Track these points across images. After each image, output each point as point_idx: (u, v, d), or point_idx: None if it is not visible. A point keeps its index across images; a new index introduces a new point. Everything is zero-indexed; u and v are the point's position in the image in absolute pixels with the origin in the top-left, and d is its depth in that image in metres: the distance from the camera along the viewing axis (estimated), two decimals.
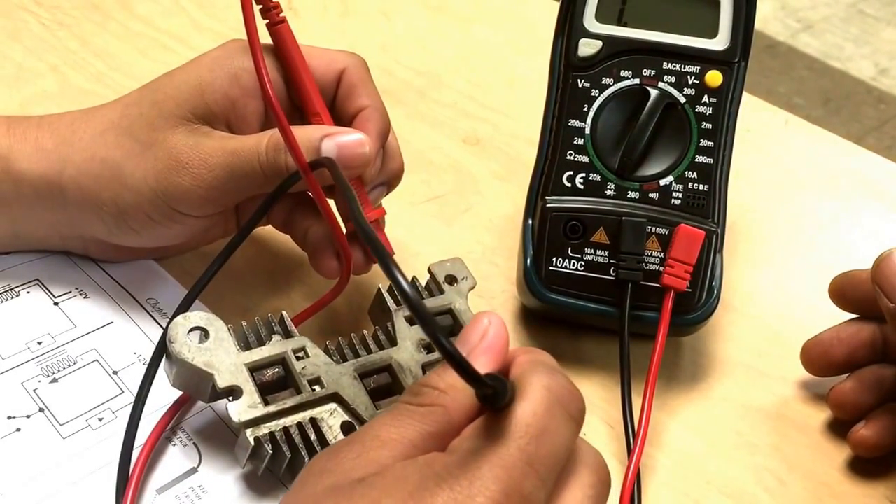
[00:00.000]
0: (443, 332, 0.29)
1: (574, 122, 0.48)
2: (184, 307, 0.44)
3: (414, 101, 0.67)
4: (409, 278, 0.47)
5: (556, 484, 0.32)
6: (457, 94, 0.68)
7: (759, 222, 0.60)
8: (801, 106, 1.65)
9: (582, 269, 0.47)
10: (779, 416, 0.48)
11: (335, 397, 0.41)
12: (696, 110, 0.48)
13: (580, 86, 0.48)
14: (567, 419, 0.32)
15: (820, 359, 0.48)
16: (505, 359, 0.35)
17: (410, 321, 0.45)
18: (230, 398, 0.40)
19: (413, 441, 0.32)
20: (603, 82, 0.48)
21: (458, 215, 0.58)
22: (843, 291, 0.48)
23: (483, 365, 0.33)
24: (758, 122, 0.67)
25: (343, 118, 0.47)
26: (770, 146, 0.66)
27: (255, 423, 0.39)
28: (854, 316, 0.49)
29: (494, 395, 0.31)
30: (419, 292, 0.47)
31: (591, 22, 0.48)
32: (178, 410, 0.44)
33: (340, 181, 0.38)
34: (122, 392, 0.45)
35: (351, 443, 0.32)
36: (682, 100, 0.48)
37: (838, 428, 0.48)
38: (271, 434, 0.40)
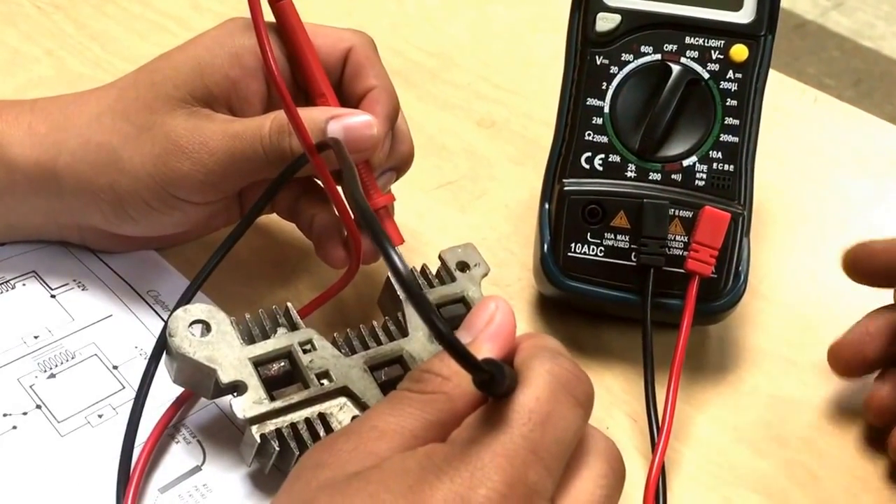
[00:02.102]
0: (438, 314, 0.28)
1: (592, 101, 0.46)
2: (185, 299, 0.43)
3: (425, 82, 0.65)
4: (420, 266, 0.46)
5: (564, 474, 0.31)
6: (470, 74, 0.66)
7: (788, 204, 0.58)
8: (832, 87, 1.63)
9: (602, 254, 0.46)
10: (810, 408, 0.47)
11: (344, 391, 0.40)
12: (721, 87, 0.46)
13: (598, 63, 0.46)
14: (573, 405, 0.31)
15: (854, 359, 0.45)
16: (511, 345, 0.33)
17: None
18: (234, 394, 0.39)
19: (413, 431, 0.31)
20: (622, 59, 0.46)
21: (472, 201, 0.57)
22: (858, 262, 0.45)
23: (488, 351, 0.33)
24: (786, 100, 0.65)
25: (350, 99, 0.46)
26: (799, 125, 0.64)
27: (261, 419, 0.38)
28: (876, 307, 0.46)
29: (492, 381, 0.30)
30: (424, 283, 0.45)
31: None
32: (181, 406, 0.43)
33: (344, 160, 0.37)
34: (123, 387, 0.44)
35: (347, 434, 0.31)
36: (706, 76, 0.46)
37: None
38: (278, 430, 0.39)
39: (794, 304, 0.52)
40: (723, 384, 0.47)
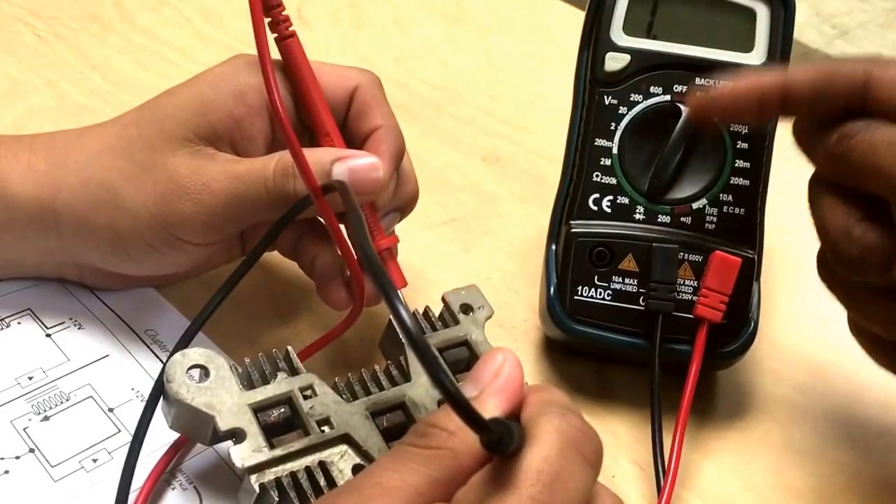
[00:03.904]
0: (445, 373, 0.27)
1: (601, 142, 0.46)
2: (185, 340, 0.42)
3: (430, 116, 0.65)
4: (423, 308, 0.45)
5: None
6: (475, 109, 0.66)
7: (798, 244, 0.56)
8: None
9: (609, 298, 0.45)
10: (821, 457, 0.46)
11: (346, 438, 0.39)
12: (731, 129, 0.45)
13: (607, 102, 0.46)
14: (582, 463, 0.30)
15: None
16: (519, 400, 0.33)
17: None
18: (233, 441, 0.38)
19: (417, 488, 0.30)
20: (631, 99, 0.46)
21: (477, 239, 0.56)
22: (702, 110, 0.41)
23: (495, 407, 0.32)
24: None
25: (355, 139, 0.45)
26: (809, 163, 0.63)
27: (260, 468, 0.38)
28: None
29: (500, 442, 0.29)
30: (426, 326, 0.44)
31: (618, 34, 0.46)
32: (178, 451, 0.42)
33: (351, 205, 0.36)
34: (119, 431, 0.43)
35: (349, 491, 0.31)
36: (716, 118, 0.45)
37: (887, 469, 0.45)
38: (278, 480, 0.38)
39: (805, 349, 0.51)
40: (731, 431, 0.47)
